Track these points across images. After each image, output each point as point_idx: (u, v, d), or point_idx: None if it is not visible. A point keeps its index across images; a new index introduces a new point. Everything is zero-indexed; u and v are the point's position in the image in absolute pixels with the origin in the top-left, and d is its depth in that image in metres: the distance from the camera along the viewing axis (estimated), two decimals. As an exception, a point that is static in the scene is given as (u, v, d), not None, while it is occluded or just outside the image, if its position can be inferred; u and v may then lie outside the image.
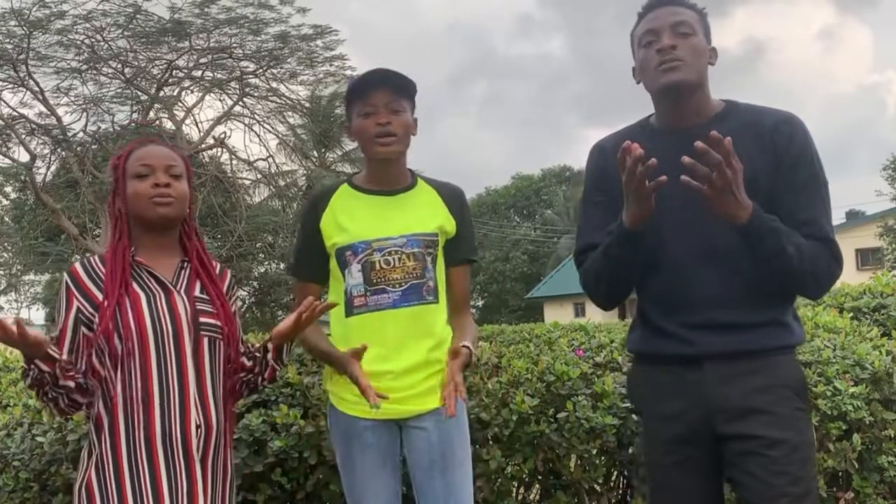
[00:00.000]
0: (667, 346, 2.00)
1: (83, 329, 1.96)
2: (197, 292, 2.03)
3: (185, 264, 2.07)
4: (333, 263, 2.24)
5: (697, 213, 1.93)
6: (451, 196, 2.30)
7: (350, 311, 2.18)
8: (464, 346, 2.14)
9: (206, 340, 1.99)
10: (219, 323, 2.02)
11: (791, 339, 1.98)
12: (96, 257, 2.05)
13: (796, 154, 1.94)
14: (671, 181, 1.94)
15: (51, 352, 1.83)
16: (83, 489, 1.90)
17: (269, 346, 2.08)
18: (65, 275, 2.01)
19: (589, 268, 2.07)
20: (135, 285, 1.97)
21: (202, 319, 2.00)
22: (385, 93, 2.16)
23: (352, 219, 2.21)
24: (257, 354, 2.10)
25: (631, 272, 2.00)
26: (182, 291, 2.01)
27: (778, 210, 1.90)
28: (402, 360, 2.14)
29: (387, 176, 2.24)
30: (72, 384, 1.89)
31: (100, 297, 1.96)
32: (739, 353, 1.92)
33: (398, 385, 2.13)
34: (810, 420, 2.00)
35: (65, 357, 1.91)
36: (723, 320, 1.93)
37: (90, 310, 1.96)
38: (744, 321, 1.92)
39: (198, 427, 1.93)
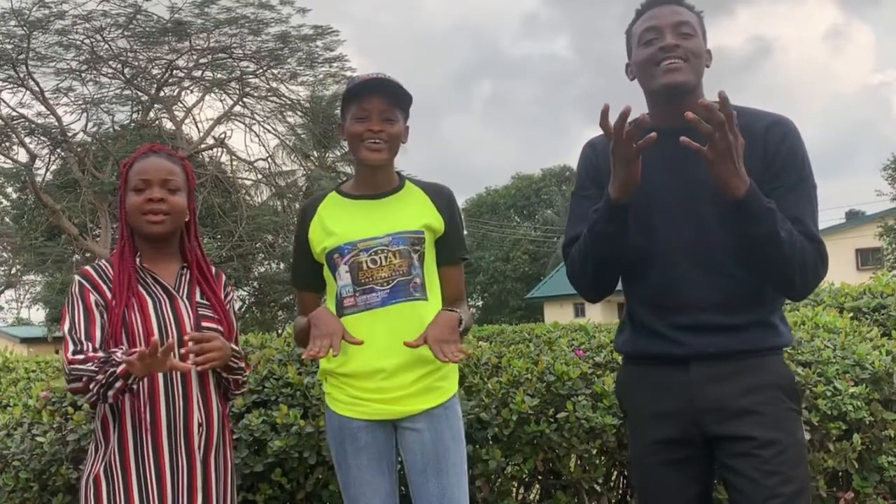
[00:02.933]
0: (656, 346, 2.00)
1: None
2: (198, 298, 2.15)
3: (185, 270, 2.17)
4: (326, 269, 2.27)
5: (688, 214, 1.94)
6: (438, 195, 2.32)
7: (341, 312, 2.20)
8: (448, 309, 2.15)
9: None
10: (220, 328, 2.12)
11: (779, 341, 1.99)
12: (104, 261, 2.14)
13: (787, 155, 1.94)
14: (663, 181, 1.95)
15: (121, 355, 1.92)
16: (90, 481, 2.00)
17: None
18: (76, 276, 2.10)
19: (575, 254, 2.06)
20: (141, 289, 2.07)
21: (204, 324, 2.10)
22: (381, 101, 2.20)
23: (338, 223, 2.25)
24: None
25: (616, 252, 1.98)
26: (185, 297, 2.12)
27: None
28: (394, 357, 2.14)
29: (374, 180, 2.29)
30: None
31: (109, 296, 2.05)
32: (728, 354, 1.93)
33: (391, 385, 2.15)
34: (800, 420, 2.00)
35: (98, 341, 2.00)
36: (711, 322, 1.94)
37: (102, 306, 2.05)
38: (732, 323, 1.93)
39: (199, 425, 2.04)
